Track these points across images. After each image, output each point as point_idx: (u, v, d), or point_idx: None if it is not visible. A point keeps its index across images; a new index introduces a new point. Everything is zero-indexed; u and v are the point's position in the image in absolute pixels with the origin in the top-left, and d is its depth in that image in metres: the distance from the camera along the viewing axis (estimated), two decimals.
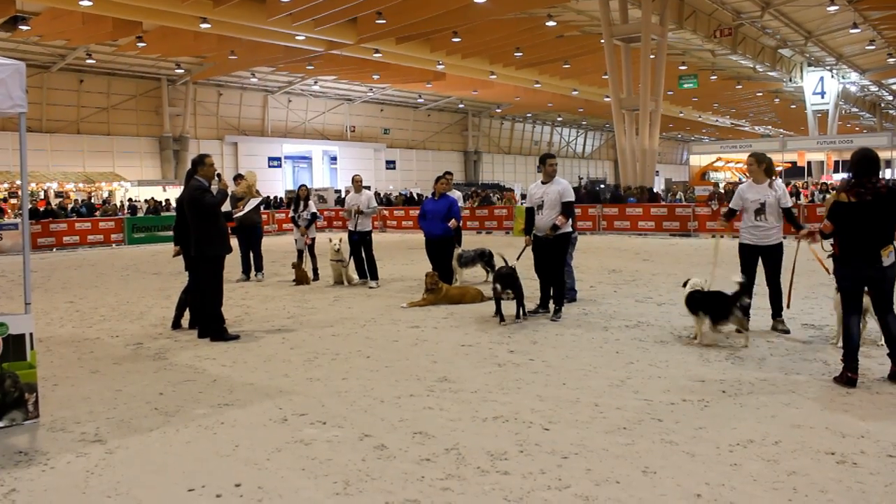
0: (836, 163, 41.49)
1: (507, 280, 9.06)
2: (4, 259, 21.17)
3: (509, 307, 9.21)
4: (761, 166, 8.64)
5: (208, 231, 8.37)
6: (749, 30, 35.93)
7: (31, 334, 5.56)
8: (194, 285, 8.82)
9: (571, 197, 9.32)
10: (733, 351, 7.33)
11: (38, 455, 4.86)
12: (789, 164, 41.76)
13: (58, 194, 33.00)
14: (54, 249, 24.12)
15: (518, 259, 9.29)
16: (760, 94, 51.73)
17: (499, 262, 9.99)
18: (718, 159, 43.83)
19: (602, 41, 30.93)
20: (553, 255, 9.24)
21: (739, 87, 46.86)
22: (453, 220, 11.68)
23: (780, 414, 5.32)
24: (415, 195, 39.41)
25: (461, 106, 58.43)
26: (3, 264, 19.39)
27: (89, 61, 36.47)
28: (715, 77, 43.94)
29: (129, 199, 34.44)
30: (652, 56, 29.74)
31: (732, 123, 68.45)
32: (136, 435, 5.22)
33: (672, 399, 5.75)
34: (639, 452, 4.63)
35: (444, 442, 4.89)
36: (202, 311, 8.59)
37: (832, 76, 44.03)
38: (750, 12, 32.98)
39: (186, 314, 9.26)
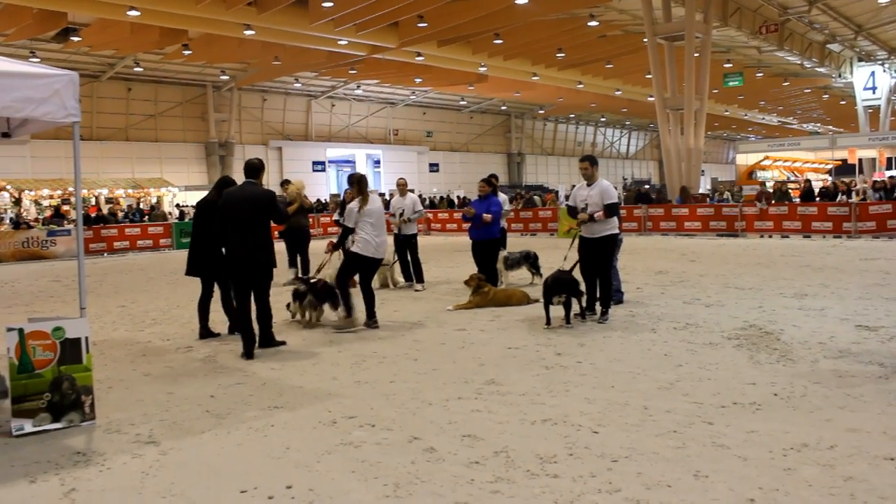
0: (889, 160, 40.49)
1: (567, 286, 8.91)
2: (59, 264, 21.70)
3: (552, 311, 9.17)
4: None
5: (269, 238, 8.11)
6: (796, 25, 35.26)
7: (86, 338, 5.70)
8: (259, 295, 8.03)
9: (614, 199, 9.25)
10: (784, 353, 7.21)
11: (96, 456, 4.98)
12: (839, 162, 40.85)
13: (108, 200, 33.70)
14: (105, 254, 24.67)
15: (565, 259, 9.24)
16: (808, 90, 50.74)
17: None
18: (766, 158, 43.05)
19: (645, 40, 30.63)
20: (600, 256, 9.19)
21: (786, 83, 46.03)
22: (486, 215, 11.61)
23: (836, 417, 5.23)
24: (454, 198, 39.44)
25: (504, 108, 58.31)
26: (57, 269, 19.87)
27: (137, 70, 37.14)
28: (761, 74, 43.23)
29: (178, 205, 35.05)
30: (696, 54, 29.35)
31: (779, 121, 67.29)
32: (188, 437, 5.32)
33: (723, 402, 5.68)
34: (690, 456, 4.59)
35: (493, 445, 4.89)
36: (265, 321, 8.17)
37: (884, 70, 42.96)
38: (797, 7, 32.37)
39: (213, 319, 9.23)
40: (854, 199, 25.30)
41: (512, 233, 21.89)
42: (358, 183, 9.33)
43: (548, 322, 8.97)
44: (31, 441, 5.30)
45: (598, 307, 9.34)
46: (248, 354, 7.85)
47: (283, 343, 8.41)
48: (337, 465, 4.66)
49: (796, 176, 42.46)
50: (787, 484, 4.12)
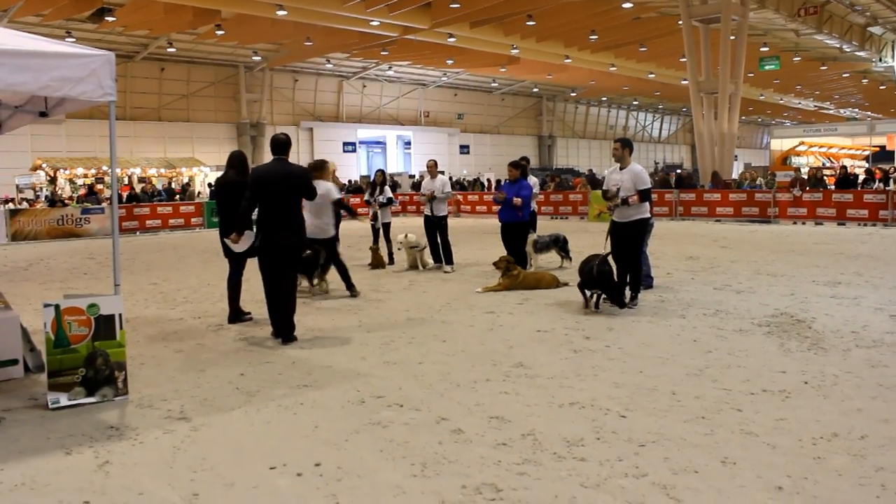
0: None
1: (601, 280, 8.81)
2: (92, 242, 22.02)
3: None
4: None
5: (301, 218, 7.94)
6: (836, 7, 34.54)
7: (120, 314, 5.79)
8: (286, 282, 7.73)
9: (647, 184, 9.17)
10: (816, 342, 7.14)
11: (128, 430, 5.07)
12: (877, 148, 40.09)
13: (141, 179, 34.04)
14: (137, 233, 24.97)
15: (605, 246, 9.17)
16: (847, 75, 49.75)
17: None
18: (801, 143, 42.39)
19: (680, 22, 30.21)
20: (630, 241, 9.13)
21: (824, 68, 45.18)
22: (517, 199, 11.52)
23: (867, 408, 5.18)
24: (484, 181, 39.33)
25: (535, 90, 57.90)
26: (91, 247, 20.16)
27: (170, 50, 37.35)
28: (798, 58, 42.47)
29: (209, 185, 35.29)
30: (732, 37, 28.93)
31: (816, 106, 66.13)
32: (219, 413, 5.40)
33: (752, 389, 5.65)
34: (717, 442, 4.58)
35: (521, 427, 4.91)
36: (288, 310, 7.73)
37: None
38: None
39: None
40: (892, 186, 24.88)
41: (542, 216, 21.84)
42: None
43: (586, 305, 8.97)
44: (66, 414, 5.41)
45: (627, 291, 9.29)
46: (277, 334, 7.78)
47: (295, 339, 7.74)
48: (365, 443, 4.71)
49: (832, 162, 41.76)
50: (816, 473, 4.10)
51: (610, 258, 8.96)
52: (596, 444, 4.59)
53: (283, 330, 7.71)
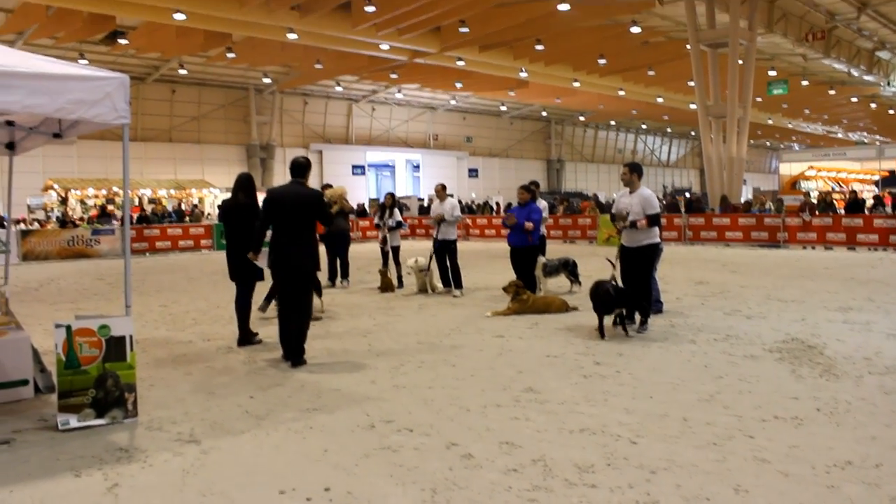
0: None
1: (622, 296, 8.82)
2: (102, 263, 22.09)
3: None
4: None
5: (315, 241, 7.95)
6: (844, 32, 34.65)
7: (130, 336, 5.80)
8: (300, 306, 7.76)
9: (656, 208, 9.16)
10: (827, 368, 7.09)
11: (138, 452, 5.06)
12: (887, 173, 40.01)
13: (151, 201, 34.23)
14: (147, 254, 25.06)
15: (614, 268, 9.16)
16: (855, 99, 49.79)
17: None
18: (810, 168, 42.35)
19: (688, 47, 30.33)
20: (639, 266, 9.11)
21: (832, 92, 45.24)
22: (528, 223, 11.53)
23: (882, 435, 5.13)
24: (493, 204, 39.38)
25: (544, 114, 58.13)
26: (100, 268, 20.23)
27: (181, 72, 37.69)
28: (806, 82, 42.54)
29: (219, 206, 35.39)
30: (740, 62, 29.00)
31: (825, 130, 66.17)
32: (228, 436, 5.39)
33: (763, 416, 5.61)
34: (730, 469, 4.54)
35: (531, 453, 4.88)
36: (300, 333, 7.75)
37: None
38: (845, 14, 31.79)
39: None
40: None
41: (551, 240, 21.83)
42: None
43: (602, 334, 8.81)
44: (76, 436, 5.41)
45: (637, 317, 9.26)
46: (287, 357, 7.79)
47: (305, 363, 7.75)
48: (375, 468, 4.69)
49: (841, 187, 41.70)
50: (829, 501, 4.06)
51: (616, 278, 8.94)
52: (607, 471, 4.56)
53: (293, 353, 7.70)
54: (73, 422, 5.55)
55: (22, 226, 26.93)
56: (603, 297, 8.79)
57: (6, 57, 5.44)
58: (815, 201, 25.47)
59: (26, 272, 19.27)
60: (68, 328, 5.58)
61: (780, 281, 14.17)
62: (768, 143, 77.08)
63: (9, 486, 4.48)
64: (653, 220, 9.03)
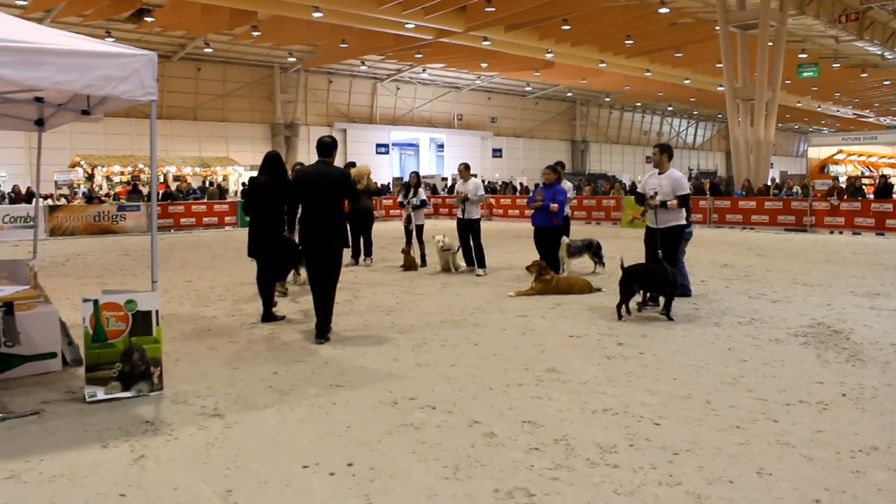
0: None
1: (656, 281, 8.79)
2: (127, 239, 22.31)
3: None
4: None
5: (343, 220, 8.03)
6: (878, 13, 34.01)
7: (156, 311, 5.86)
8: (327, 284, 7.87)
9: (686, 189, 9.10)
10: (854, 353, 7.03)
11: (163, 426, 5.12)
12: None
13: (176, 178, 34.46)
14: (172, 230, 25.25)
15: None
16: (888, 82, 48.97)
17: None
18: (839, 151, 41.84)
19: (717, 28, 29.98)
20: (665, 246, 9.05)
21: (864, 75, 44.53)
22: (553, 204, 11.54)
23: None
24: (517, 184, 39.27)
25: (569, 94, 57.70)
26: (125, 244, 20.43)
27: (207, 50, 37.77)
28: (838, 65, 41.88)
29: (243, 184, 35.57)
30: (770, 43, 28.64)
31: (855, 114, 65.17)
32: (252, 411, 5.44)
33: (788, 400, 5.57)
34: (753, 453, 4.52)
35: (553, 432, 4.89)
36: (327, 309, 7.86)
37: None
38: None
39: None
40: None
41: (575, 220, 21.74)
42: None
43: (626, 310, 8.86)
44: (102, 408, 5.48)
45: (661, 298, 9.22)
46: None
47: (328, 339, 7.83)
48: (397, 444, 4.72)
49: (871, 171, 41.13)
50: (854, 487, 4.03)
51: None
52: (629, 451, 4.55)
53: (319, 328, 7.83)
54: (100, 394, 5.63)
55: (49, 201, 27.20)
56: (646, 276, 8.80)
57: (36, 34, 5.48)
58: (843, 185, 25.14)
59: (53, 247, 19.49)
60: (96, 302, 5.64)
61: (807, 265, 14.03)
62: (796, 127, 76.10)
63: (39, 456, 4.56)
64: (683, 201, 8.98)
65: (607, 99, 59.64)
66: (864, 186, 26.30)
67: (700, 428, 4.96)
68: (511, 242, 19.01)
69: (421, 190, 14.18)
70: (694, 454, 4.50)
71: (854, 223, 21.78)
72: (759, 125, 28.88)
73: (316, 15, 28.20)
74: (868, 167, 43.05)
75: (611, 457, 4.46)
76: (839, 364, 6.64)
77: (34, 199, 21.25)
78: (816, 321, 8.56)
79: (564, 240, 12.24)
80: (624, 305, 8.81)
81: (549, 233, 11.73)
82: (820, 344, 7.42)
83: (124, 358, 5.70)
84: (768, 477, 4.16)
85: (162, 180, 32.90)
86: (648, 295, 9.24)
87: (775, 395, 5.67)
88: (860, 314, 9.00)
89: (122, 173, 33.75)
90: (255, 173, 9.27)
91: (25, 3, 26.08)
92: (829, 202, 22.46)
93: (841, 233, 21.96)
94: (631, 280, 8.76)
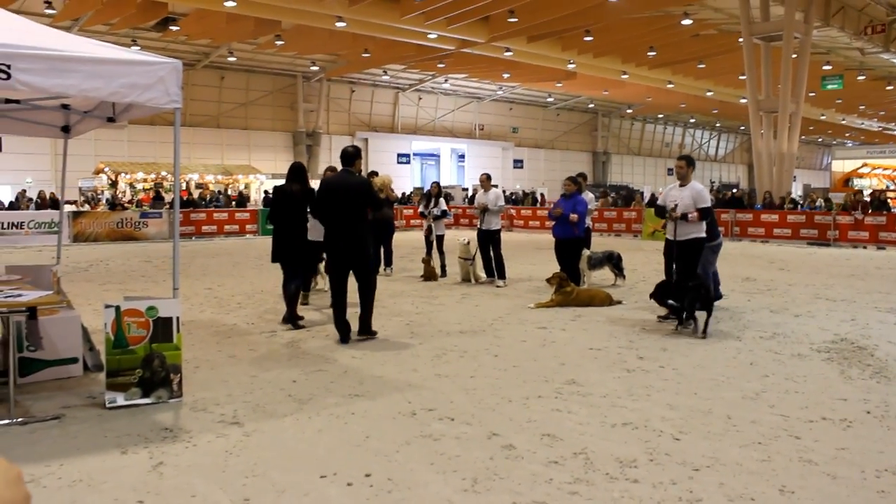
0: None
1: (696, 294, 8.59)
2: (149, 246, 22.46)
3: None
4: None
5: (367, 228, 8.21)
6: None
7: (177, 318, 5.89)
8: (362, 283, 8.23)
9: (707, 202, 9.04)
10: (878, 370, 6.94)
11: (182, 433, 5.14)
12: None
13: (198, 185, 34.72)
14: (193, 238, 25.40)
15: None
16: None
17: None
18: (864, 165, 41.40)
19: (740, 40, 29.79)
20: (684, 260, 8.99)
21: (890, 87, 44.11)
22: (573, 214, 11.51)
23: None
24: (538, 195, 39.20)
25: (591, 106, 57.62)
26: (148, 251, 20.58)
27: (230, 59, 38.07)
28: (863, 77, 41.50)
29: (265, 192, 35.77)
30: (794, 55, 28.42)
31: (880, 127, 64.54)
32: (271, 420, 5.44)
33: (811, 416, 5.50)
34: (775, 470, 4.46)
35: (573, 445, 4.86)
36: (368, 309, 8.28)
37: None
38: None
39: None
40: None
41: (596, 232, 21.67)
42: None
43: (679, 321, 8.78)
44: (122, 414, 5.51)
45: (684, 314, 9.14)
46: (343, 340, 8.13)
47: (375, 333, 8.39)
48: (416, 456, 4.70)
49: None
50: None
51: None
52: (649, 466, 4.51)
53: (361, 327, 8.25)
54: (120, 400, 5.66)
55: (73, 207, 27.47)
56: (684, 290, 8.61)
57: (64, 42, 5.54)
58: (867, 199, 24.86)
59: (77, 253, 19.67)
60: (117, 308, 5.68)
61: (830, 280, 13.89)
62: (820, 139, 75.47)
63: (59, 460, 4.59)
64: (704, 214, 8.92)
65: (629, 110, 59.48)
66: (888, 200, 26.00)
67: (721, 443, 4.91)
68: (532, 254, 18.97)
69: (441, 200, 14.17)
70: (715, 470, 4.45)
71: (879, 238, 21.54)
72: (782, 138, 28.64)
73: (339, 24, 28.37)
74: (894, 181, 42.55)
75: (630, 471, 4.42)
76: (863, 380, 6.55)
77: (60, 205, 21.53)
78: (840, 336, 8.46)
79: (585, 252, 12.20)
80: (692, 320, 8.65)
81: (569, 244, 11.69)
82: (843, 360, 7.33)
83: (145, 364, 5.74)
84: (790, 495, 4.10)
85: (184, 187, 33.14)
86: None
87: (798, 412, 5.60)
88: (885, 330, 8.88)
89: (145, 180, 34.05)
90: (276, 182, 9.48)
91: (54, 11, 26.42)
92: (852, 216, 22.23)
93: (865, 247, 21.72)
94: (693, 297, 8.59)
